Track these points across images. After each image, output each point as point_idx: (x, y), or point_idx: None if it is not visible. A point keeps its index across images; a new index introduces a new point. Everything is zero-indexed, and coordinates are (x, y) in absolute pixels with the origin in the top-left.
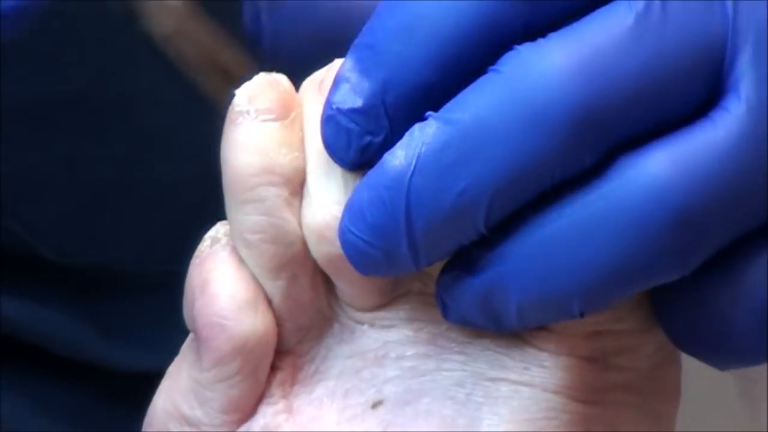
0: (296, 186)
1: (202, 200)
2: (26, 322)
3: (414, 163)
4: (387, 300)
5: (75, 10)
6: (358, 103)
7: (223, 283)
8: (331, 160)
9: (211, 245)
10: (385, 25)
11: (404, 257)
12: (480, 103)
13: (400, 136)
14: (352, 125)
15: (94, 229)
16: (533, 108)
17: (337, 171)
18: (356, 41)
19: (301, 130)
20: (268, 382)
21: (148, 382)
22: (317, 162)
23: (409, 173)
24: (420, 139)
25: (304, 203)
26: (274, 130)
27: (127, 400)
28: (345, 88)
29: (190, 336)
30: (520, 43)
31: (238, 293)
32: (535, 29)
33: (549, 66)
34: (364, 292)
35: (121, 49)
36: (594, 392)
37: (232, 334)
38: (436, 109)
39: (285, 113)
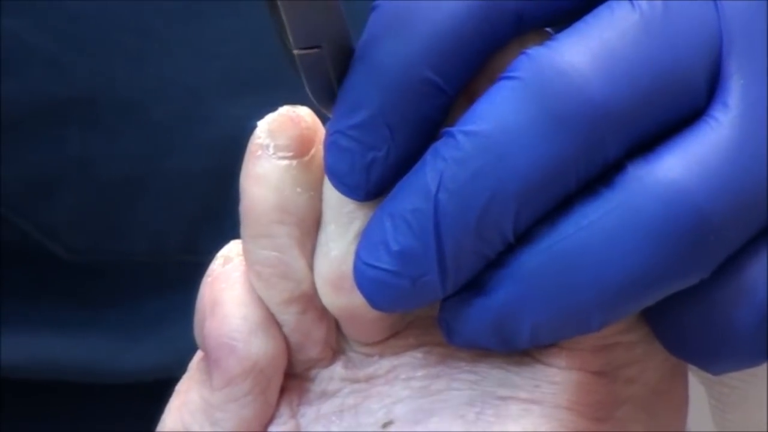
0: (309, 226)
1: (213, 192)
2: (28, 333)
3: (437, 181)
4: (396, 331)
5: (78, 10)
6: (355, 118)
7: (235, 304)
8: (347, 210)
9: (224, 264)
10: (372, 30)
11: (432, 283)
12: (498, 110)
13: (402, 150)
14: (353, 144)
15: (107, 224)
16: (554, 108)
17: (353, 222)
18: (355, 54)
19: (320, 168)
20: (277, 403)
21: (155, 393)
22: (334, 211)
23: (434, 192)
24: (441, 156)
25: (319, 252)
26: (290, 169)
27: (133, 412)
28: (343, 108)
29: (199, 354)
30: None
31: (249, 314)
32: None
33: (565, 65)
34: (374, 331)
35: (126, 47)
36: (604, 407)
37: (243, 356)
38: (437, 114)
39: (303, 151)
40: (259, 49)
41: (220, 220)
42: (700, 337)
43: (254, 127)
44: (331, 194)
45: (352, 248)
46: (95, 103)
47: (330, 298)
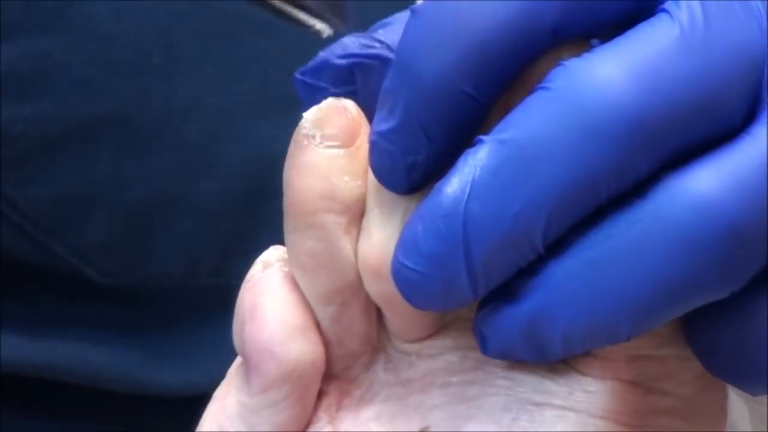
0: (355, 214)
1: (246, 212)
2: (65, 353)
3: (468, 188)
4: (435, 330)
5: (111, 30)
6: (393, 122)
7: (274, 309)
8: (391, 196)
9: (263, 269)
10: (411, 37)
11: (463, 287)
12: (532, 120)
13: (443, 153)
14: (392, 147)
15: (139, 246)
16: (588, 121)
17: (397, 208)
18: (393, 59)
19: (366, 158)
20: (315, 407)
21: (194, 406)
22: (378, 197)
23: (464, 199)
24: (473, 164)
25: (362, 237)
26: (338, 158)
27: (172, 426)
28: (384, 111)
29: (238, 360)
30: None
31: (288, 319)
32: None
33: (600, 78)
34: (415, 325)
35: (158, 66)
36: (639, 417)
37: (281, 360)
38: (473, 122)
39: (350, 141)
40: (290, 69)
41: (251, 241)
42: (737, 357)
43: (300, 118)
44: (376, 182)
45: (395, 235)
46: (127, 123)
47: (371, 284)
